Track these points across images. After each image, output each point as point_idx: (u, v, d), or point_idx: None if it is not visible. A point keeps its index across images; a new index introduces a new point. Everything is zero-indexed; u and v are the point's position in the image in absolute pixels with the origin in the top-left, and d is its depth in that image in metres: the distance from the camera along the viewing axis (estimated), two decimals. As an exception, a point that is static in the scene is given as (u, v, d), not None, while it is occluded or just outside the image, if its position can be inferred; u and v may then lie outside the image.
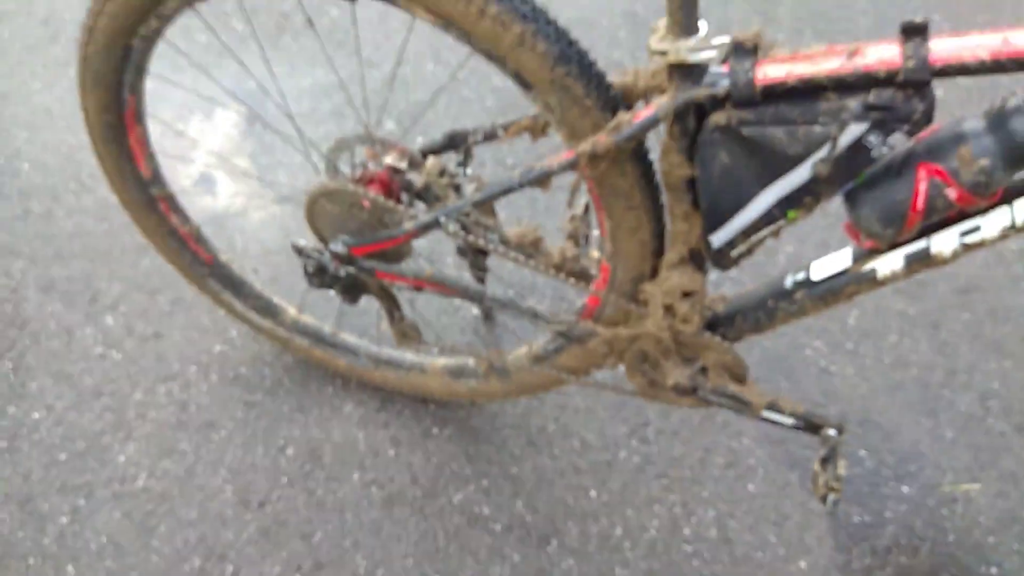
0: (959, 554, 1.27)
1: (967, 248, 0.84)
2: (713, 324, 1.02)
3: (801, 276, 0.97)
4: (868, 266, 0.90)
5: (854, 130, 0.77)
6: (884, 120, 0.76)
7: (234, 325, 1.48)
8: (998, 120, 0.75)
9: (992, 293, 1.61)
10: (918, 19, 0.73)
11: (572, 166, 0.88)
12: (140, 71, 1.01)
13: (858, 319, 1.55)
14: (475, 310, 1.51)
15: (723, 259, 0.92)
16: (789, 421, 1.05)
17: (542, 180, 0.91)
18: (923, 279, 1.60)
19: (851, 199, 0.85)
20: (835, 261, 0.94)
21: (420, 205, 1.09)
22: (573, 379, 1.16)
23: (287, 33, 1.87)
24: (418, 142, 1.72)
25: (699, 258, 0.96)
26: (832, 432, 1.05)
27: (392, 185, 1.07)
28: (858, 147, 0.78)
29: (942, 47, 0.73)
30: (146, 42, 0.97)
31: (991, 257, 1.65)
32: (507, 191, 0.94)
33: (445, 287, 1.11)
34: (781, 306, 0.98)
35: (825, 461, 1.07)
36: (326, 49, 1.84)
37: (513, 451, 1.37)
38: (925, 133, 0.80)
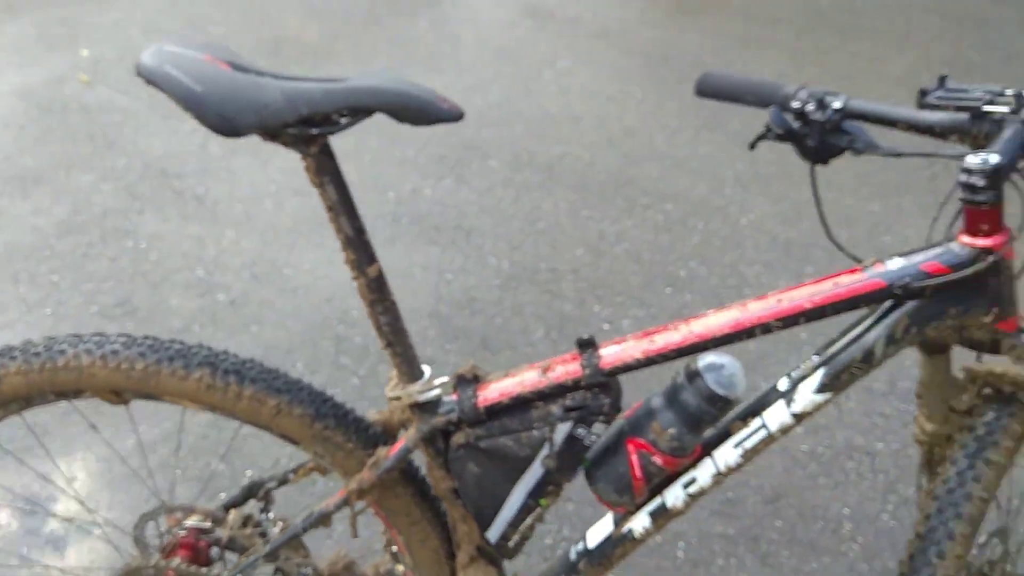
0: None
1: (693, 497, 0.99)
2: None
3: (581, 546, 1.08)
4: (626, 528, 1.03)
5: (563, 428, 0.93)
6: (583, 416, 0.92)
7: None
8: (672, 395, 0.93)
9: (796, 496, 1.78)
10: (586, 335, 0.93)
11: (345, 503, 0.99)
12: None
13: (685, 550, 1.66)
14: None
15: (504, 550, 1.03)
16: None
17: (323, 520, 1.01)
18: (733, 496, 1.75)
19: (588, 477, 0.99)
20: (603, 527, 1.06)
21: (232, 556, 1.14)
22: None
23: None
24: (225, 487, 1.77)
25: (488, 553, 1.06)
26: None
27: (200, 545, 1.12)
28: (572, 440, 0.94)
29: (608, 353, 0.92)
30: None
31: (788, 461, 1.84)
32: (293, 537, 1.02)
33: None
34: (572, 578, 1.07)
35: None
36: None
37: None
38: (629, 411, 0.97)
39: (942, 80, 0.88)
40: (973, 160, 0.78)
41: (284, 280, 2.32)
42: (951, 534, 0.91)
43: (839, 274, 0.87)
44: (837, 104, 0.94)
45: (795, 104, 0.97)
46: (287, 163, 2.76)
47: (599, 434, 0.94)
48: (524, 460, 0.95)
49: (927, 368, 0.97)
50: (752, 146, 1.03)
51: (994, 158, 0.77)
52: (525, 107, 3.15)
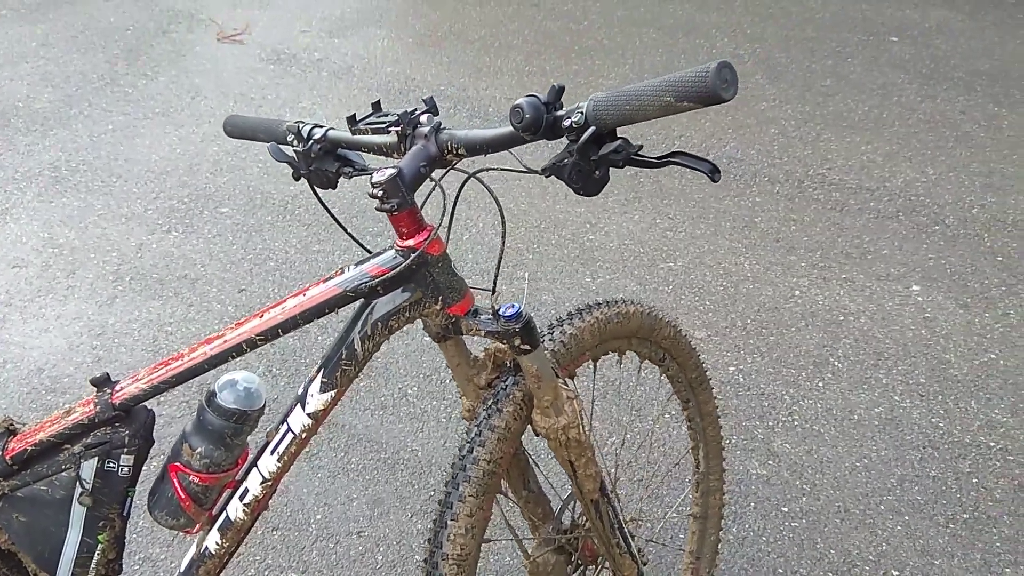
0: None
1: (250, 507, 1.06)
2: None
3: (176, 572, 1.13)
4: (203, 547, 1.09)
5: (90, 465, 0.98)
6: (108, 450, 0.98)
7: None
8: (198, 417, 1.01)
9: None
10: (99, 374, 0.99)
11: None
12: None
13: (384, 554, 1.74)
14: None
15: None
16: None
17: None
18: (436, 494, 1.85)
19: (148, 507, 1.04)
20: (191, 551, 1.12)
21: None
22: None
23: None
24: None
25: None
26: None
27: None
28: (105, 474, 0.99)
29: (122, 387, 0.98)
30: None
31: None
32: None
33: None
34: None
35: None
36: None
37: None
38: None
39: (376, 105, 1.01)
40: (376, 176, 0.91)
41: (-9, 357, 2.25)
42: (461, 496, 1.03)
43: (308, 287, 0.98)
44: (317, 135, 1.06)
45: (289, 138, 1.08)
46: (2, 236, 2.67)
47: (129, 465, 1.00)
48: (62, 502, 0.99)
49: (446, 354, 1.10)
50: (296, 178, 1.13)
51: (388, 172, 0.90)
52: (262, 150, 3.19)
